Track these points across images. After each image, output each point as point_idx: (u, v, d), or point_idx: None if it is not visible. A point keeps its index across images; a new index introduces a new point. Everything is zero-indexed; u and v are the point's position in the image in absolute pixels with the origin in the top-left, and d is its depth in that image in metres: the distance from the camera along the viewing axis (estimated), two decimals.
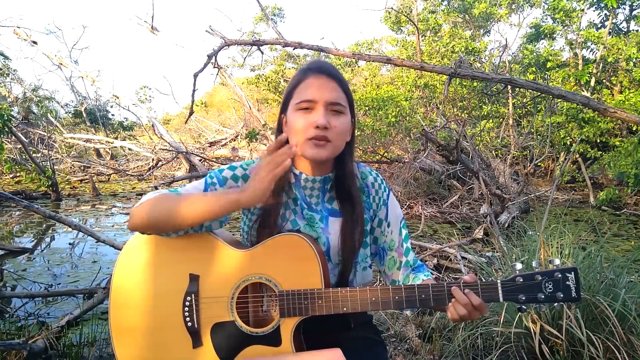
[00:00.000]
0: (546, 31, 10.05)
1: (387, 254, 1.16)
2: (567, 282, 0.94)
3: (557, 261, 0.96)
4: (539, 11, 11.38)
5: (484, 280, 0.97)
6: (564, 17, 9.32)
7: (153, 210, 0.97)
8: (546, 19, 10.39)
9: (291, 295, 0.99)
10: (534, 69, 9.53)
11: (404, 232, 1.16)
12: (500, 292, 0.96)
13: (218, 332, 1.01)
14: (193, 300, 1.02)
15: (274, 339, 1.00)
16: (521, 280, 0.95)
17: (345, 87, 1.05)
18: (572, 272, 0.94)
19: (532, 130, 8.03)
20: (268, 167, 0.90)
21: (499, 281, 0.96)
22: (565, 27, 9.73)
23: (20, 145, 7.27)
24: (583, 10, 9.26)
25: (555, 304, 0.95)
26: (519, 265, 0.98)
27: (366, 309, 0.98)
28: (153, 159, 9.63)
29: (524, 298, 0.95)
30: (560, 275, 0.94)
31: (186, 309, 1.02)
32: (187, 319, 1.01)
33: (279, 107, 1.10)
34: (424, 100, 9.17)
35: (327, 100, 1.01)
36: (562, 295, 0.94)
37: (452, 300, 0.96)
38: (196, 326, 1.01)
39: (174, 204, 0.97)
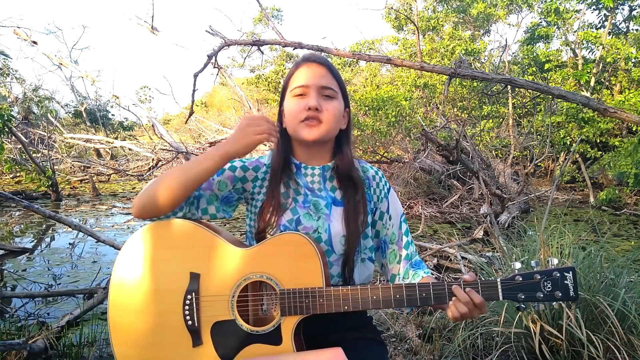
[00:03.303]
0: (541, 34, 10.05)
1: (389, 247, 1.17)
2: (565, 282, 0.95)
3: (556, 260, 0.98)
4: (535, 13, 11.36)
5: (483, 279, 0.98)
6: (556, 20, 9.32)
7: (153, 185, 1.03)
8: (541, 21, 10.40)
9: (292, 293, 0.99)
10: (533, 69, 9.53)
11: (405, 226, 1.19)
12: (499, 290, 0.96)
13: (218, 331, 1.01)
14: (194, 298, 1.02)
15: (274, 338, 1.00)
16: (520, 279, 0.96)
17: (336, 75, 1.11)
18: (570, 272, 0.95)
19: (532, 130, 8.03)
20: (253, 129, 0.99)
21: (498, 280, 0.97)
22: (561, 29, 9.74)
23: (20, 145, 7.27)
24: (576, 11, 9.27)
25: (554, 303, 0.96)
26: (518, 265, 0.99)
27: (367, 307, 0.98)
28: (153, 159, 9.63)
29: (523, 297, 0.96)
30: (558, 275, 0.95)
31: (186, 307, 1.02)
32: (188, 317, 1.01)
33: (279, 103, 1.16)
34: (424, 100, 9.17)
35: (318, 84, 1.07)
36: (560, 294, 0.95)
37: (452, 299, 0.97)
38: (196, 325, 1.01)
39: (170, 172, 1.04)
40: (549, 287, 0.95)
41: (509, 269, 2.30)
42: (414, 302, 0.98)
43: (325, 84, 1.07)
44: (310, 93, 1.06)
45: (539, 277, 0.96)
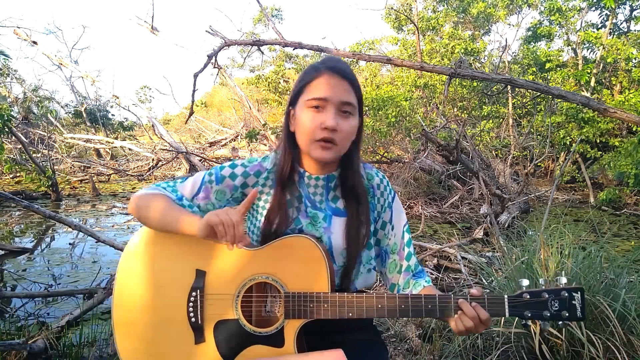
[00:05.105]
0: (543, 33, 10.05)
1: (389, 257, 1.15)
2: (573, 302, 0.93)
3: (564, 279, 0.96)
4: (537, 12, 11.36)
5: (490, 294, 0.97)
6: (560, 19, 9.32)
7: (139, 207, 1.07)
8: (543, 20, 10.40)
9: (297, 297, 0.98)
10: (533, 69, 9.52)
11: (407, 236, 1.16)
12: (506, 307, 0.96)
13: (221, 329, 1.01)
14: (198, 295, 1.02)
15: (277, 340, 1.00)
16: (528, 296, 0.95)
17: (356, 88, 1.05)
18: (579, 292, 0.93)
19: (532, 130, 8.03)
20: (221, 229, 0.92)
21: (505, 296, 0.96)
22: (563, 28, 9.73)
23: (20, 145, 7.27)
24: (579, 10, 9.26)
25: (560, 322, 0.95)
26: (526, 282, 0.98)
27: (372, 315, 0.98)
28: (153, 159, 9.63)
29: (529, 315, 0.95)
30: (566, 295, 0.94)
31: (191, 304, 1.02)
32: (191, 314, 1.02)
33: (287, 100, 1.10)
34: (424, 100, 9.17)
35: (339, 100, 1.00)
36: (567, 314, 0.93)
37: (458, 313, 0.96)
38: (200, 322, 1.01)
39: (151, 209, 1.05)
40: (556, 307, 0.94)
41: (509, 269, 2.30)
42: (419, 313, 0.97)
43: (346, 99, 1.01)
44: (329, 109, 1.00)
45: (547, 295, 0.94)
